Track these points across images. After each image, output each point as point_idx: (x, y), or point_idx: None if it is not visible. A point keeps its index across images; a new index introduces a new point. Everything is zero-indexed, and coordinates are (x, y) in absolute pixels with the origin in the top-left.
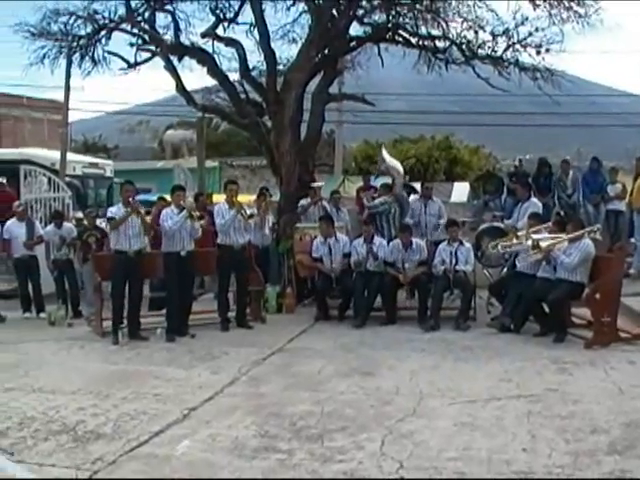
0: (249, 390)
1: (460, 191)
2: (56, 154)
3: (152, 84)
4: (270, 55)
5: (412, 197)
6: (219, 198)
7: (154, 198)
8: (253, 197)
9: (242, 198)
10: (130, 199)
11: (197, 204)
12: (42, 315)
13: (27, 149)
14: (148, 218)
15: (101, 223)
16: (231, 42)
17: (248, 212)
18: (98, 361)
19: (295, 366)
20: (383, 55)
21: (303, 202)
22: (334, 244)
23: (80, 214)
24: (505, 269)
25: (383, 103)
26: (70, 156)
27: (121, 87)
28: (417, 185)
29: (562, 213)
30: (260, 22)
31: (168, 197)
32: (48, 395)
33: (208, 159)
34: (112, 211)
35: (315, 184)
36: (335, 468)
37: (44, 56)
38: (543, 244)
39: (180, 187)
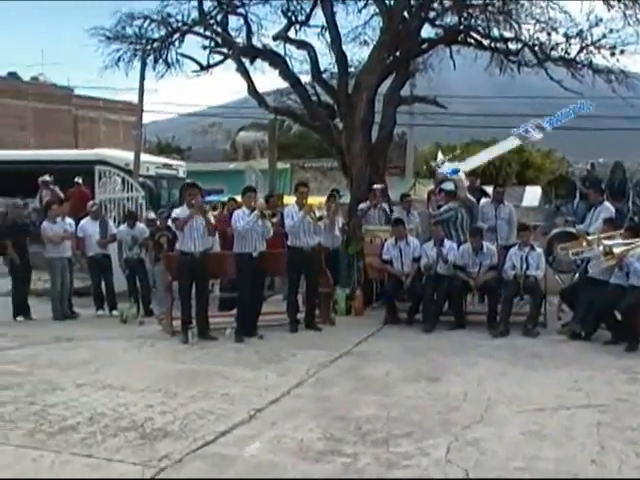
0: (315, 392)
1: (532, 195)
2: (130, 155)
3: (225, 86)
4: (341, 57)
5: (483, 200)
6: (290, 200)
7: (226, 199)
8: (324, 199)
9: (313, 200)
10: (194, 200)
11: (268, 206)
12: (114, 313)
13: (102, 150)
14: (213, 214)
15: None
16: (302, 44)
17: (317, 214)
18: (167, 360)
19: (362, 369)
20: (455, 57)
21: (362, 205)
22: (404, 247)
23: (152, 214)
24: (577, 275)
25: (455, 105)
26: (144, 157)
27: (194, 89)
28: (489, 189)
29: (636, 219)
30: (331, 25)
31: (239, 198)
32: (118, 392)
33: (280, 161)
34: (177, 212)
35: (376, 186)
36: (400, 474)
37: (119, 59)
38: (616, 250)
39: (251, 188)
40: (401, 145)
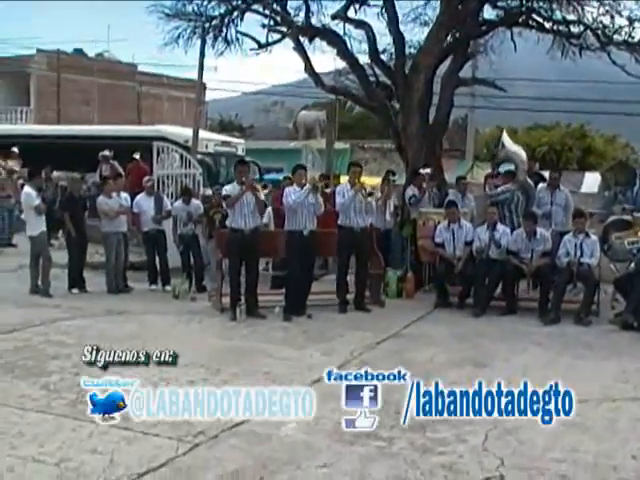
0: None
1: (591, 181)
2: (189, 131)
3: (289, 66)
4: (399, 38)
5: (540, 185)
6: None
7: (281, 177)
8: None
9: (370, 181)
10: (244, 178)
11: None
12: (167, 288)
13: (161, 126)
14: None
15: None
16: (361, 24)
17: (368, 190)
18: (214, 336)
19: (408, 352)
20: (516, 40)
21: (410, 192)
22: (457, 230)
23: (209, 191)
24: (632, 264)
25: (517, 88)
26: (203, 134)
27: (258, 68)
28: (547, 174)
29: None
30: (389, 5)
31: None
32: (161, 366)
33: (340, 140)
34: (227, 189)
35: (423, 170)
36: (434, 460)
37: (178, 36)
38: None
39: (302, 166)
40: (463, 128)
